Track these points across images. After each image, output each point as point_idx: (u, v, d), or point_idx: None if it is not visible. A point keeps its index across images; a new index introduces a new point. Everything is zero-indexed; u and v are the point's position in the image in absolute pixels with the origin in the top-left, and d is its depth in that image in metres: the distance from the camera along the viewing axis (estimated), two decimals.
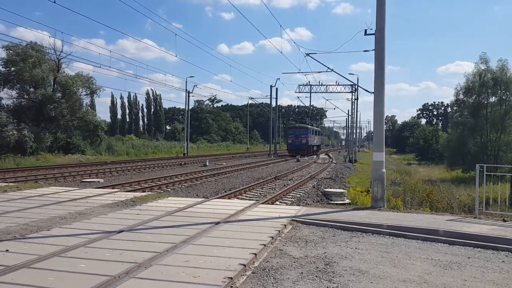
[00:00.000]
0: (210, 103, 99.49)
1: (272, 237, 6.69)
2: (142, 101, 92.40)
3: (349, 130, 60.29)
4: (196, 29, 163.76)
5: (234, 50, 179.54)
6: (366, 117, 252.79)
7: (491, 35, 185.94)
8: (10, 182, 16.20)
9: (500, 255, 6.34)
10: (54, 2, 14.80)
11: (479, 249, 6.64)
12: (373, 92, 11.26)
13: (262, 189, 16.13)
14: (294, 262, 5.55)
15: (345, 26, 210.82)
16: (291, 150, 49.07)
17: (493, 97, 44.92)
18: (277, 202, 12.61)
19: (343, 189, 17.03)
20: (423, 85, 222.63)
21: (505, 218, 8.59)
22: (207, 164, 29.03)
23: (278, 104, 56.81)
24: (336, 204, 12.49)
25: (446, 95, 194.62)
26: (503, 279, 5.19)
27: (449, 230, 7.36)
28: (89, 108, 42.28)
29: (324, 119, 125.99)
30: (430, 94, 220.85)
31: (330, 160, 40.75)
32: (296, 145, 49.18)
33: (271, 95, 51.37)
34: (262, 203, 10.80)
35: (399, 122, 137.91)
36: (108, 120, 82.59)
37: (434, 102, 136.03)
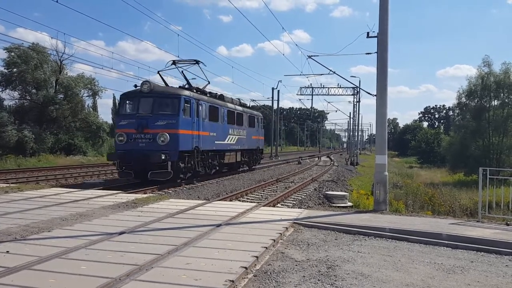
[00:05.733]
0: None
1: (274, 240, 6.65)
2: None
3: (351, 133, 60.21)
4: (195, 32, 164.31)
5: (233, 53, 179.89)
6: (367, 120, 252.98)
7: (490, 38, 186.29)
8: (12, 183, 16.20)
9: (504, 259, 6.30)
10: (57, 2, 14.79)
11: (482, 253, 6.60)
12: (375, 95, 11.23)
13: (263, 191, 16.09)
14: (296, 265, 5.51)
15: (344, 29, 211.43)
16: (126, 166, 15.30)
17: (496, 101, 44.84)
18: (279, 205, 12.57)
19: (345, 191, 16.98)
20: (423, 88, 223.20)
21: (508, 222, 8.53)
22: None
23: (279, 106, 55.61)
24: (338, 207, 12.44)
25: (446, 98, 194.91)
26: (506, 283, 5.14)
27: (452, 234, 7.31)
28: (91, 109, 42.36)
29: (326, 122, 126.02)
30: (431, 97, 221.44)
31: (332, 162, 40.68)
32: (137, 152, 14.78)
33: (272, 97, 47.96)
34: (264, 206, 10.75)
35: (401, 125, 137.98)
36: (110, 121, 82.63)
37: (436, 105, 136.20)
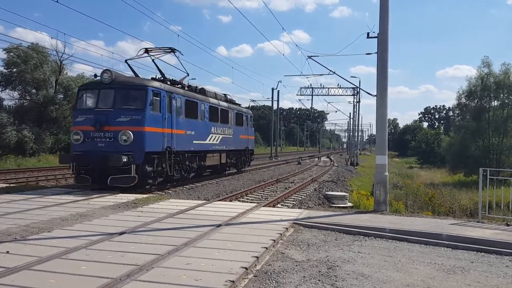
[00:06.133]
0: None
1: (274, 240, 6.65)
2: None
3: (351, 133, 60.22)
4: (195, 32, 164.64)
5: (233, 53, 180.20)
6: (367, 120, 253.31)
7: (489, 39, 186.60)
8: (11, 183, 16.20)
9: (504, 259, 6.30)
10: (57, 2, 14.78)
11: (483, 253, 6.60)
12: (375, 95, 11.23)
13: (263, 191, 16.09)
14: (296, 265, 5.51)
15: (343, 29, 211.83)
16: (84, 170, 12.89)
17: (496, 101, 44.89)
18: (279, 205, 12.57)
19: (345, 192, 16.98)
20: (423, 88, 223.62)
21: (508, 223, 8.54)
22: None
23: (279, 106, 55.59)
24: (338, 207, 12.44)
25: (446, 99, 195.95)
26: (507, 284, 5.14)
27: (452, 234, 7.32)
28: None
29: (326, 122, 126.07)
30: (431, 97, 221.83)
31: (332, 163, 40.67)
32: (96, 154, 12.37)
33: (272, 97, 47.34)
34: (264, 206, 10.75)
35: (401, 125, 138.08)
36: None
37: (436, 106, 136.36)
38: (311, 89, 47.65)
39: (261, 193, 15.54)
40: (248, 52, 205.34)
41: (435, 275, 5.32)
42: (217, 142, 18.60)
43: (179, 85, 16.16)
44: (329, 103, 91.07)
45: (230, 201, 12.63)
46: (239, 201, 13.19)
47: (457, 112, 52.81)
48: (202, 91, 18.10)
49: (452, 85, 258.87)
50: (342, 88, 46.40)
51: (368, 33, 11.99)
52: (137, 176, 12.50)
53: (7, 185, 14.35)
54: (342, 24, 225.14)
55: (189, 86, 17.43)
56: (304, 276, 5.06)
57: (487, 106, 44.55)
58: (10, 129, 30.84)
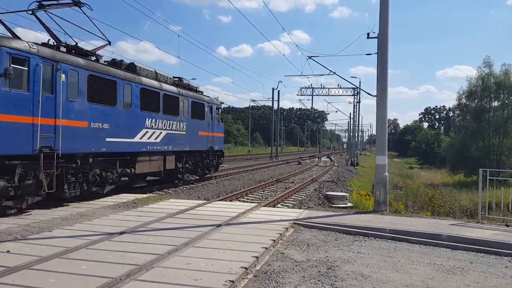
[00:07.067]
0: None
1: (274, 240, 6.66)
2: None
3: (351, 133, 60.21)
4: (195, 32, 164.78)
5: (233, 53, 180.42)
6: (367, 120, 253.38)
7: (489, 39, 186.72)
8: None
9: (503, 260, 6.31)
10: None
11: (482, 254, 6.61)
12: (375, 96, 11.24)
13: (263, 191, 16.11)
14: (296, 265, 5.53)
15: (343, 30, 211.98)
16: None
17: (496, 102, 44.86)
18: (279, 205, 12.58)
19: (345, 192, 16.99)
20: (423, 88, 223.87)
21: (508, 223, 8.54)
22: None
23: (279, 106, 55.66)
24: (338, 207, 12.44)
25: (446, 99, 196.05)
26: (506, 284, 5.15)
27: (452, 235, 7.32)
28: None
29: (326, 122, 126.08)
30: (431, 97, 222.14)
31: (332, 163, 40.68)
32: None
33: (272, 97, 47.38)
34: (264, 206, 10.77)
35: (401, 125, 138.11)
36: None
37: (436, 106, 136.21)
38: (311, 89, 47.82)
39: (261, 193, 15.56)
40: (248, 52, 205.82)
41: (434, 276, 5.34)
42: (157, 141, 13.75)
43: (83, 55, 10.94)
44: (329, 103, 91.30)
45: (230, 201, 12.65)
46: (239, 201, 13.20)
47: (457, 112, 52.74)
48: (131, 68, 12.96)
49: (452, 86, 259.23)
50: (342, 88, 46.55)
51: (368, 34, 12.01)
52: None
53: None
54: (342, 25, 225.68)
55: (113, 61, 12.75)
56: (304, 276, 5.07)
57: (488, 106, 44.51)
58: None
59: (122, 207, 9.65)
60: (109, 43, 12.28)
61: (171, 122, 14.74)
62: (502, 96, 44.02)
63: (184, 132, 15.80)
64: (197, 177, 18.23)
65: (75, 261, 5.23)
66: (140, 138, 12.82)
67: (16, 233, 6.78)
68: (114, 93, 11.55)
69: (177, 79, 16.36)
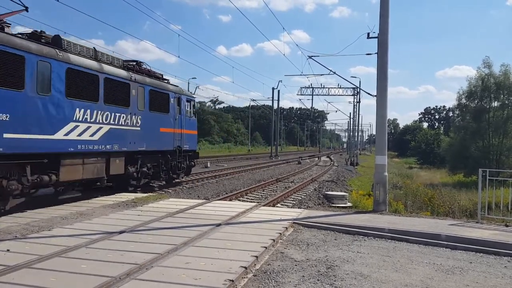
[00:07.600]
0: (212, 105, 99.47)
1: (274, 240, 6.67)
2: None
3: (351, 133, 60.23)
4: (194, 31, 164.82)
5: (233, 52, 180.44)
6: (367, 120, 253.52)
7: (489, 39, 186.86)
8: None
9: (502, 260, 6.31)
10: (57, 1, 14.72)
11: (481, 254, 6.62)
12: (375, 96, 11.25)
13: (263, 191, 16.11)
14: (296, 265, 5.53)
15: (343, 29, 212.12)
16: None
17: (496, 102, 44.86)
18: (279, 205, 12.58)
19: (345, 192, 17.00)
20: (422, 88, 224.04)
21: (508, 223, 8.55)
22: (208, 165, 28.99)
23: (279, 106, 55.67)
24: (338, 207, 12.46)
25: (445, 99, 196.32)
26: (505, 284, 5.16)
27: (451, 235, 7.33)
28: None
29: (326, 122, 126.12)
30: (430, 97, 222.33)
31: (332, 162, 40.69)
32: None
33: (272, 97, 47.58)
34: (264, 205, 10.78)
35: (401, 125, 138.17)
36: None
37: (436, 106, 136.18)
38: (311, 89, 47.84)
39: (261, 193, 15.56)
40: (248, 51, 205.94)
41: (433, 275, 5.34)
42: (95, 138, 10.72)
43: None
44: (329, 103, 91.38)
45: (230, 200, 12.65)
46: (239, 200, 13.21)
47: (457, 112, 52.71)
48: (56, 42, 9.93)
49: (451, 86, 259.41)
50: (342, 88, 46.56)
51: (368, 34, 12.02)
52: None
53: None
54: (342, 24, 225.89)
55: (33, 33, 9.69)
56: (303, 276, 5.08)
57: (487, 106, 44.51)
58: None
59: (122, 206, 9.66)
60: (26, 9, 9.77)
61: (118, 114, 11.67)
62: (502, 96, 44.02)
63: (139, 128, 12.74)
64: (161, 183, 15.32)
65: (75, 260, 5.23)
66: (66, 135, 9.74)
67: (16, 232, 6.78)
68: (21, 72, 8.51)
69: (133, 62, 13.60)
